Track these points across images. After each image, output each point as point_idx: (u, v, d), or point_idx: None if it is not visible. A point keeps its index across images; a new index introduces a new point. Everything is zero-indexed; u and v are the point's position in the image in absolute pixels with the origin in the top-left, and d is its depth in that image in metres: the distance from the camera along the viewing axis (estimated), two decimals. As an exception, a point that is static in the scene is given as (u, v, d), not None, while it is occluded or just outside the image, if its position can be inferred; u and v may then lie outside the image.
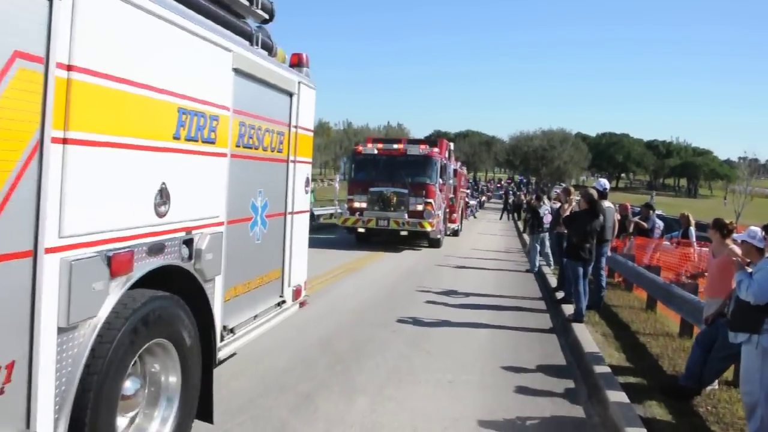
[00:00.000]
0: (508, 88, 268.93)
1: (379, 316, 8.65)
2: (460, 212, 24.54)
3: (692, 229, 11.96)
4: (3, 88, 2.32)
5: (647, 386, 5.89)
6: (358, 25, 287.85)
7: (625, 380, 5.95)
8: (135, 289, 3.19)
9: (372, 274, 12.72)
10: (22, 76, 2.39)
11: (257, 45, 4.96)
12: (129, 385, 3.26)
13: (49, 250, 2.57)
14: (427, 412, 5.14)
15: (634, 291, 11.33)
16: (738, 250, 5.40)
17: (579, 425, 5.14)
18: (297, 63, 5.94)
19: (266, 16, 5.32)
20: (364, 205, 17.07)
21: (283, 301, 5.65)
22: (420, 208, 16.84)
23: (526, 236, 20.82)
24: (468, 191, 36.73)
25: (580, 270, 8.59)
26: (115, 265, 2.99)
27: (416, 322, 8.42)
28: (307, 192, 6.12)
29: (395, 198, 16.85)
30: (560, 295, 10.46)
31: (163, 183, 3.43)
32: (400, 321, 8.38)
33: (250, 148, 4.75)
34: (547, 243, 14.51)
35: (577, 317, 8.40)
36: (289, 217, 5.66)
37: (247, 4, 4.92)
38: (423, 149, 17.85)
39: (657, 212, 15.67)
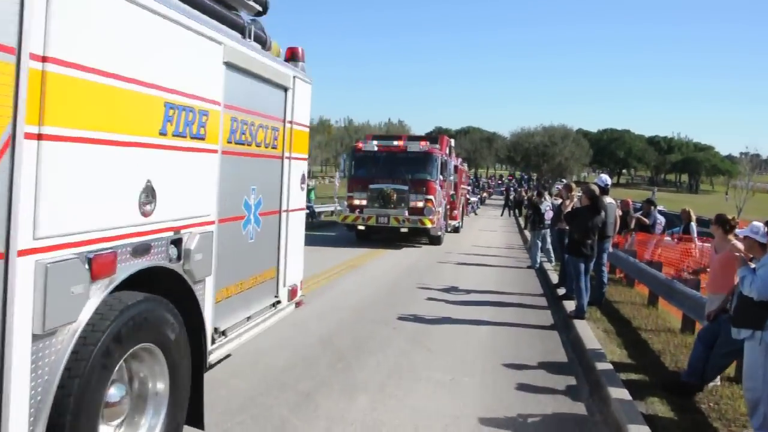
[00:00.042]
0: (510, 84, 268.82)
1: (380, 313, 8.63)
2: (460, 209, 24.47)
3: (693, 224, 11.93)
4: None
5: (649, 383, 5.87)
6: (359, 22, 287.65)
7: (627, 377, 5.93)
8: (119, 292, 3.08)
9: (373, 271, 12.69)
10: (-10, 69, 2.24)
11: (250, 38, 4.82)
12: (114, 392, 3.13)
13: (22, 252, 2.45)
14: (428, 410, 5.12)
15: (636, 287, 11.30)
16: (741, 246, 5.37)
17: (581, 422, 5.11)
18: (292, 57, 5.81)
19: (260, 9, 5.18)
20: (364, 202, 16.97)
21: (278, 302, 5.51)
22: (420, 205, 16.75)
23: (527, 233, 20.77)
24: (469, 188, 36.69)
25: (582, 266, 8.57)
26: (97, 267, 2.86)
27: (417, 319, 8.40)
28: (302, 189, 6.00)
29: (395, 195, 16.74)
30: (561, 291, 10.44)
31: (149, 181, 3.30)
32: (401, 318, 8.36)
33: (243, 144, 4.62)
34: (548, 239, 14.49)
35: (579, 314, 8.38)
36: (284, 215, 5.53)
37: None
38: (423, 146, 17.74)
39: (658, 208, 15.65)
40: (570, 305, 9.05)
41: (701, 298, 7.12)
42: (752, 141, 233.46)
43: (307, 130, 6.07)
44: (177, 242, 3.63)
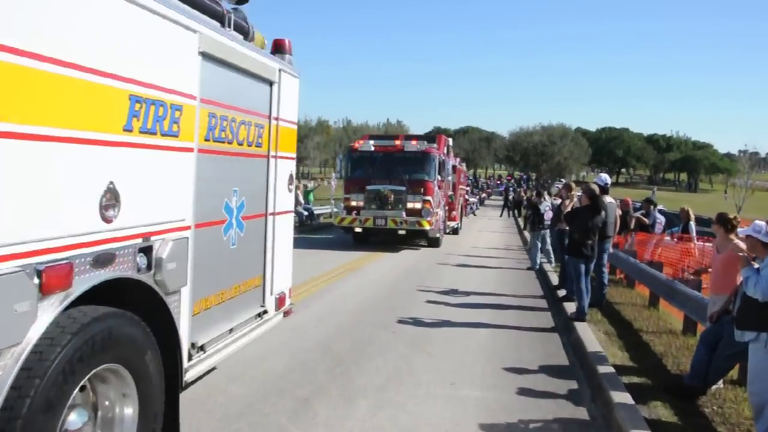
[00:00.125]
0: (508, 83, 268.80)
1: (379, 316, 8.55)
2: (459, 210, 24.35)
3: (692, 223, 11.88)
4: None
5: (652, 386, 5.80)
6: (357, 22, 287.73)
7: (629, 380, 5.86)
8: (78, 308, 2.77)
9: (371, 274, 12.62)
10: None
11: (229, 27, 4.46)
12: (74, 419, 2.81)
13: None
14: (428, 416, 5.05)
15: (636, 288, 11.23)
16: (743, 246, 5.30)
17: (583, 427, 5.03)
18: (278, 49, 5.48)
19: None
20: (361, 203, 16.76)
21: (265, 311, 5.20)
22: (418, 206, 16.55)
23: (526, 233, 20.71)
24: (468, 188, 36.62)
25: (582, 267, 8.50)
26: (48, 280, 2.55)
27: (416, 322, 8.32)
28: (290, 190, 5.69)
29: (393, 196, 16.51)
30: (562, 293, 10.37)
31: (111, 183, 2.98)
32: (400, 321, 8.29)
33: (222, 142, 4.29)
34: (548, 240, 14.42)
35: (580, 315, 8.31)
36: (270, 218, 5.19)
37: None
38: (416, 144, 17.44)
39: (658, 207, 15.59)
40: (570, 307, 8.98)
41: (703, 299, 7.05)
42: (751, 139, 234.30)
43: (295, 127, 5.77)
44: (146, 250, 3.33)
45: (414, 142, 17.64)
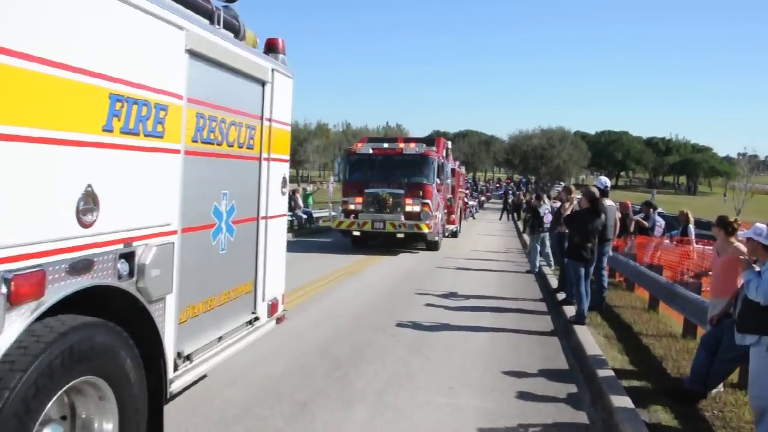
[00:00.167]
0: (507, 87, 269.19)
1: (378, 320, 8.51)
2: (458, 213, 24.29)
3: (691, 226, 11.86)
4: None
5: (652, 390, 5.76)
6: (356, 26, 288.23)
7: (629, 384, 5.82)
8: (55, 317, 2.64)
9: (370, 277, 12.58)
10: None
11: (219, 25, 4.32)
12: None
13: None
14: (427, 421, 5.01)
15: (636, 291, 11.21)
16: (744, 249, 5.27)
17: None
18: (271, 49, 5.36)
19: None
20: (359, 207, 16.66)
21: (256, 318, 5.06)
22: (417, 209, 16.46)
23: (526, 236, 20.69)
24: (467, 191, 36.61)
25: (582, 270, 8.47)
26: (17, 289, 2.41)
27: (416, 325, 8.29)
28: (283, 194, 5.54)
29: (391, 199, 16.42)
30: (561, 296, 10.33)
31: (90, 186, 2.84)
32: (399, 325, 8.25)
33: (211, 143, 4.14)
34: (548, 243, 14.40)
35: (579, 319, 8.27)
36: (262, 222, 5.05)
37: None
38: (414, 147, 17.33)
39: (658, 210, 15.57)
40: (570, 310, 8.95)
41: (703, 302, 7.02)
42: (750, 142, 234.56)
43: (289, 128, 5.66)
44: (128, 256, 3.19)
45: (413, 145, 17.57)
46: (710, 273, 6.73)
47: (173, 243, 3.63)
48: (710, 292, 6.29)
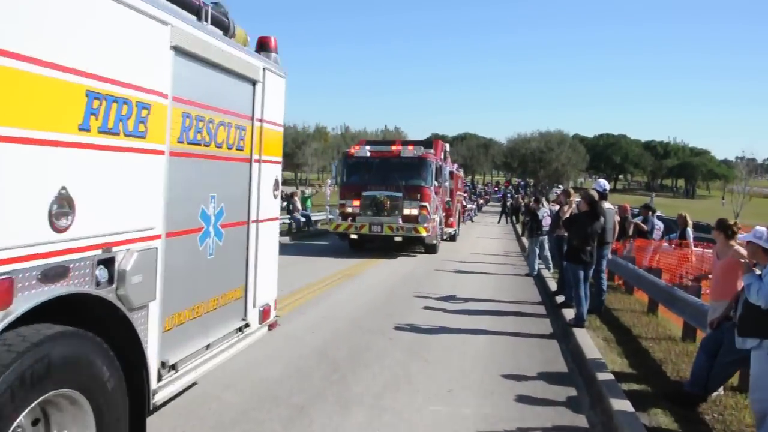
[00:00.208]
0: (505, 90, 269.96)
1: (376, 323, 8.47)
2: (457, 216, 24.24)
3: (689, 229, 11.85)
4: None
5: (651, 393, 5.73)
6: (355, 29, 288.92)
7: (629, 387, 5.79)
8: (26, 327, 2.51)
9: (368, 280, 12.54)
10: None
11: (207, 21, 4.18)
12: None
13: None
14: (425, 424, 4.97)
15: (635, 294, 11.18)
16: (744, 252, 5.25)
17: (582, 435, 4.97)
18: (262, 47, 5.24)
19: None
20: (356, 209, 16.58)
21: (247, 325, 4.92)
22: (415, 212, 16.40)
23: (524, 239, 20.66)
24: (465, 194, 36.60)
25: (581, 273, 8.44)
26: None
27: (414, 328, 8.25)
28: (276, 196, 5.39)
29: (389, 202, 16.34)
30: (560, 299, 10.30)
31: (64, 188, 2.69)
32: (397, 328, 8.21)
33: (198, 144, 3.99)
34: (546, 246, 14.38)
35: (578, 322, 8.25)
36: (253, 226, 4.91)
37: None
38: (412, 150, 17.25)
39: (657, 213, 15.56)
40: (569, 313, 8.92)
41: (702, 305, 7.00)
42: (748, 145, 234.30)
43: (281, 129, 5.50)
44: (107, 262, 3.04)
45: (410, 148, 17.51)
46: (710, 276, 6.71)
47: (156, 248, 3.49)
48: (710, 295, 6.26)
